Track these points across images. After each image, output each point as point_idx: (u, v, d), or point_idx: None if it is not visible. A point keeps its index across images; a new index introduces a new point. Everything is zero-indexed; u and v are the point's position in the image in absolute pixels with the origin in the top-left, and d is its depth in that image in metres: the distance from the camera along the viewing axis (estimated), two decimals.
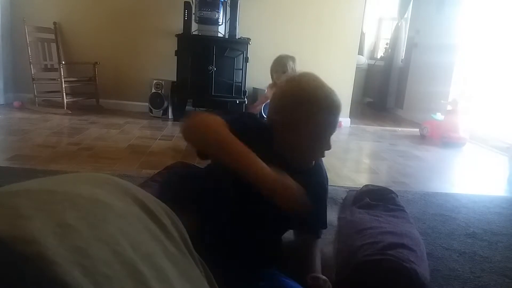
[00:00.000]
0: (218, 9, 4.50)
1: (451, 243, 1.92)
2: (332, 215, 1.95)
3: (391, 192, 2.12)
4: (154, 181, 2.24)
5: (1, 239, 0.46)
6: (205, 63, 4.55)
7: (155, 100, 4.76)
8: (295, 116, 1.23)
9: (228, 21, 4.66)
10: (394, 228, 1.63)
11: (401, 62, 7.00)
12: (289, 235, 1.50)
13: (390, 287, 1.34)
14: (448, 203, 2.48)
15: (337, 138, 4.03)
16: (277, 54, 5.07)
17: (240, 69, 4.67)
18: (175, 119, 4.70)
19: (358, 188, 2.39)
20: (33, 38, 4.60)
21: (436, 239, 1.95)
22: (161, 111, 4.78)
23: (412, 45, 6.52)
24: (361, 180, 2.88)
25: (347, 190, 2.34)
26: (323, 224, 1.46)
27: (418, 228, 1.93)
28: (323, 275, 1.24)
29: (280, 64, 3.25)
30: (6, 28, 4.78)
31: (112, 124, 4.18)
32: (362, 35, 6.82)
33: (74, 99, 4.74)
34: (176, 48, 4.56)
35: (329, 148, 1.27)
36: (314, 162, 1.33)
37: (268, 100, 3.01)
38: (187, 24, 4.58)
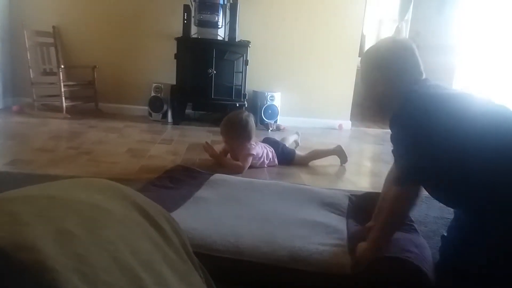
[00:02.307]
0: (218, 12, 4.50)
1: None
2: (334, 220, 1.93)
3: None
4: (154, 185, 2.23)
5: (1, 246, 0.45)
6: (205, 66, 4.55)
7: (155, 104, 4.76)
8: None
9: (228, 24, 4.67)
10: (404, 236, 1.62)
11: None
12: None
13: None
14: None
15: (338, 141, 4.02)
16: (277, 57, 5.11)
17: (240, 72, 4.66)
18: (175, 122, 4.70)
19: (359, 191, 2.38)
20: (32, 42, 4.60)
21: (438, 242, 1.93)
22: (161, 114, 4.77)
23: None
24: (362, 183, 2.86)
25: (349, 194, 2.33)
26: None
27: (420, 231, 1.92)
28: None
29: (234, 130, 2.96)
30: (5, 32, 4.78)
31: (111, 128, 4.17)
32: (363, 37, 6.80)
33: (73, 103, 4.73)
34: (175, 51, 4.56)
35: None
36: None
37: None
38: (186, 27, 4.58)
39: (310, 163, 3.25)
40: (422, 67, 1.55)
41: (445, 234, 1.52)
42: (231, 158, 3.01)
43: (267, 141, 3.27)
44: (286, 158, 3.19)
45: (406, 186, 1.39)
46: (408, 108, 1.44)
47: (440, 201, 1.56)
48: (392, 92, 1.54)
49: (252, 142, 2.95)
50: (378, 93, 1.59)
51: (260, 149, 3.00)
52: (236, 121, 2.93)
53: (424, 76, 1.55)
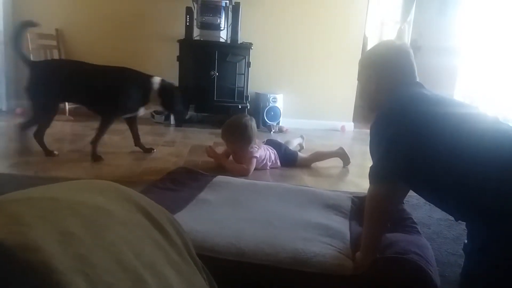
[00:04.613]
0: (220, 14, 4.52)
1: (457, 248, 1.89)
2: (336, 222, 1.93)
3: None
4: (156, 187, 2.23)
5: (5, 247, 0.45)
6: (207, 68, 4.55)
7: None
8: None
9: (230, 26, 4.67)
10: (406, 237, 1.62)
11: None
12: None
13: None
14: None
15: (340, 142, 4.01)
16: (279, 59, 5.11)
17: (242, 74, 4.67)
18: (177, 124, 4.70)
19: (362, 193, 2.37)
20: (35, 44, 4.60)
21: (442, 244, 1.93)
22: (163, 116, 4.78)
23: (415, 49, 6.49)
24: (365, 185, 2.86)
25: (351, 196, 2.32)
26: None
27: (423, 233, 1.91)
28: None
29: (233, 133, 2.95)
30: (8, 34, 4.79)
31: (114, 130, 4.15)
32: (365, 39, 6.80)
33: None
34: (178, 54, 4.57)
35: None
36: None
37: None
38: (189, 29, 4.59)
39: (313, 165, 3.25)
40: (416, 72, 1.57)
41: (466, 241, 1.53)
42: (234, 161, 3.01)
43: (270, 143, 3.27)
44: (289, 160, 3.18)
45: (381, 184, 1.40)
46: (392, 108, 1.46)
47: (438, 207, 1.56)
48: (383, 91, 1.56)
49: (254, 145, 2.94)
50: (370, 91, 1.61)
51: (263, 151, 3.00)
52: (236, 125, 2.93)
53: (417, 80, 1.56)
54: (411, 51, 1.59)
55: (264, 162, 3.02)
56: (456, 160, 1.26)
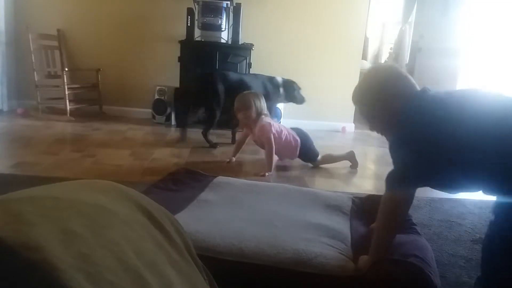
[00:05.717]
0: (221, 15, 4.52)
1: (457, 250, 1.90)
2: (338, 223, 1.93)
3: None
4: (157, 188, 2.23)
5: (7, 245, 0.46)
6: (208, 69, 4.55)
7: (158, 106, 4.77)
8: None
9: (231, 27, 4.68)
10: (406, 238, 1.61)
11: (406, 66, 6.98)
12: None
13: None
14: (454, 209, 2.46)
15: (341, 143, 4.02)
16: (280, 60, 5.11)
17: None
18: (178, 125, 4.70)
19: (363, 194, 2.37)
20: (37, 45, 4.62)
21: (442, 245, 1.93)
22: (164, 117, 4.78)
23: (416, 50, 6.50)
24: (365, 186, 2.86)
25: (352, 196, 2.32)
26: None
27: (424, 234, 1.91)
28: None
29: (245, 102, 3.19)
30: (10, 35, 4.81)
31: (115, 130, 4.17)
32: (366, 40, 6.81)
33: (77, 106, 4.75)
34: (179, 54, 4.57)
35: None
36: None
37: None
38: (190, 30, 4.60)
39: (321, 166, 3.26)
40: (415, 84, 1.57)
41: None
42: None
43: (297, 131, 3.25)
44: (310, 156, 3.24)
45: (400, 191, 1.40)
46: (414, 116, 1.43)
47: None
48: (396, 110, 1.53)
49: (266, 118, 3.11)
50: (383, 117, 1.58)
51: (277, 127, 3.12)
52: (245, 97, 3.15)
53: (418, 88, 1.56)
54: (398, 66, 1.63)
55: (284, 137, 3.11)
56: (481, 155, 1.25)
